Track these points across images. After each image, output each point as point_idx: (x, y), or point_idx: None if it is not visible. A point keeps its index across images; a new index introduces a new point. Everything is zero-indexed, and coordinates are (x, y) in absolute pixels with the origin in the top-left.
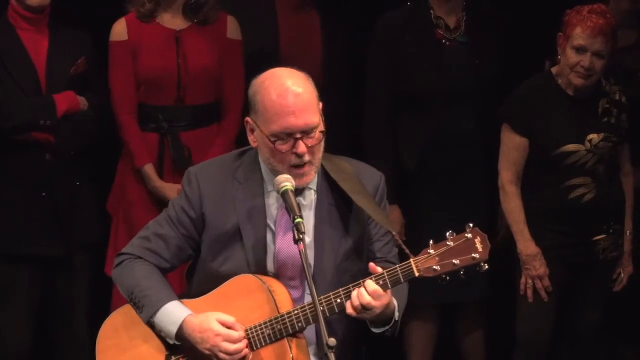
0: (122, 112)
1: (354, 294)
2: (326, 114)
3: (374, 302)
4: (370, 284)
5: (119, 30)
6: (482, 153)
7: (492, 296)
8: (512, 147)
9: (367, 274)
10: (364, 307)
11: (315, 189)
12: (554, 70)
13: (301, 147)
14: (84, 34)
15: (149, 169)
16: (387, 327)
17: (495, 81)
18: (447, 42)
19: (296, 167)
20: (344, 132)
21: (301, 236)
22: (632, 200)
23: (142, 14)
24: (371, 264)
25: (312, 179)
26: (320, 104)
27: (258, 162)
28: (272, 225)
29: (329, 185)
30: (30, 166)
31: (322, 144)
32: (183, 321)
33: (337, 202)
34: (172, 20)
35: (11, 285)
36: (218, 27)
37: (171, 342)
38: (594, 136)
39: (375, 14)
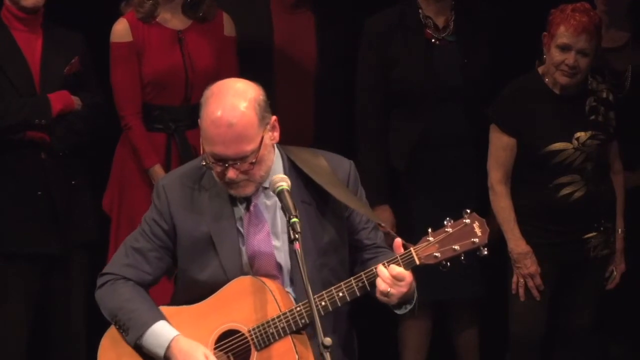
0: (128, 114)
1: (378, 280)
2: (319, 112)
3: (400, 284)
4: (393, 267)
5: (122, 30)
6: (472, 152)
7: (486, 295)
8: (501, 147)
9: (347, 265)
10: (394, 284)
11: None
12: (540, 69)
13: (230, 173)
14: (78, 34)
15: (159, 169)
16: (408, 307)
17: (484, 80)
18: (437, 42)
19: (229, 185)
20: (336, 131)
21: (297, 236)
22: (623, 198)
23: (142, 14)
24: (397, 241)
25: (252, 190)
26: (272, 119)
27: None
28: (240, 228)
29: (301, 182)
30: (25, 165)
31: (265, 161)
32: (170, 342)
33: (312, 197)
34: (172, 20)
35: (8, 284)
36: (215, 25)
37: None
38: (581, 134)
39: (369, 15)
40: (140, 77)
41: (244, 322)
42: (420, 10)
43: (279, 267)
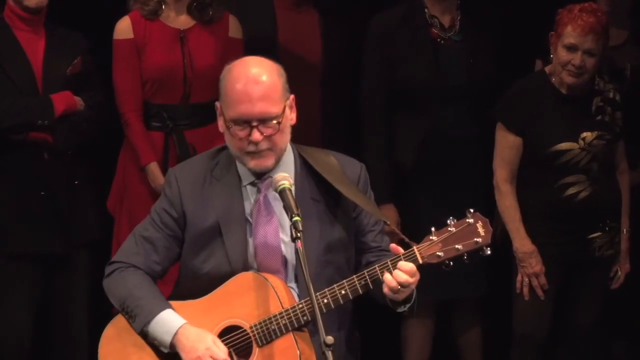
0: (127, 110)
1: (388, 277)
2: (325, 111)
3: (411, 280)
4: (405, 264)
5: (124, 28)
6: (477, 151)
7: (489, 293)
8: (506, 146)
9: (353, 264)
10: (402, 286)
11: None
12: (547, 69)
13: (255, 134)
14: (80, 35)
15: (154, 167)
16: (407, 305)
17: (490, 80)
18: (442, 41)
19: (252, 154)
20: (342, 129)
21: (299, 234)
22: (629, 198)
23: (146, 11)
24: (392, 245)
25: (272, 163)
26: (291, 97)
27: (233, 157)
28: (250, 220)
29: (312, 179)
30: (28, 165)
31: (286, 134)
32: (178, 330)
33: (321, 195)
34: (177, 19)
35: (11, 284)
36: (220, 27)
37: (166, 351)
38: (587, 134)
39: (374, 12)
40: (141, 74)
41: (246, 318)
42: (426, 10)
43: (284, 261)
